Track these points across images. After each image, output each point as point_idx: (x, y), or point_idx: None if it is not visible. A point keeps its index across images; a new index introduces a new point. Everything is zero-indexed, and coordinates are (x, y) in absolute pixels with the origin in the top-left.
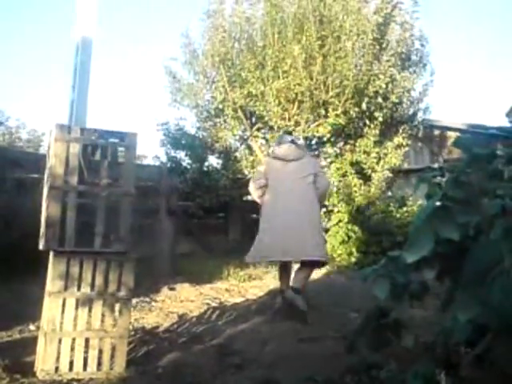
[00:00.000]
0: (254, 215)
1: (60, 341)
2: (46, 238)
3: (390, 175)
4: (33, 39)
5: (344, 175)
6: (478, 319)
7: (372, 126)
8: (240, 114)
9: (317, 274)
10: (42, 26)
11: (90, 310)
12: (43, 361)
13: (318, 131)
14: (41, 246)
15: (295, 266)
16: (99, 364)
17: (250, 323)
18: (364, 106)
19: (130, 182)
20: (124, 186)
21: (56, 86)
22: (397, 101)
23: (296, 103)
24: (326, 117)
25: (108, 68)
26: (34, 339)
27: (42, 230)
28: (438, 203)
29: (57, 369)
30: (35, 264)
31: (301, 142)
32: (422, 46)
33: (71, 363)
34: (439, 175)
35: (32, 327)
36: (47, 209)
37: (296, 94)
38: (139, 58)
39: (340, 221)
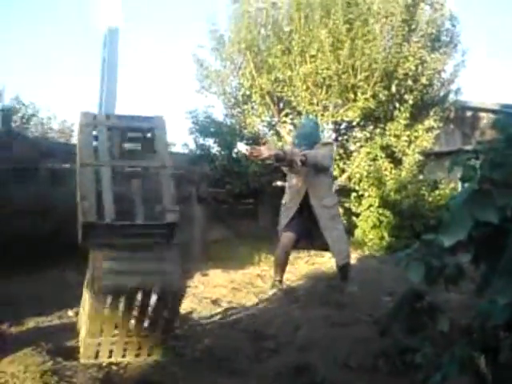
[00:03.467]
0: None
1: None
2: (84, 230)
3: (421, 158)
4: (63, 27)
5: (374, 159)
6: None
7: (402, 108)
8: (267, 99)
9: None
10: (72, 14)
11: None
12: (84, 346)
13: (347, 115)
14: (80, 240)
15: None
16: (137, 349)
17: (283, 308)
18: (393, 88)
19: (164, 156)
20: (160, 160)
21: (86, 77)
22: (427, 83)
23: (324, 88)
24: (354, 101)
25: (137, 56)
26: (73, 325)
27: (80, 221)
28: (475, 186)
29: (97, 354)
30: (72, 253)
31: None
32: (453, 26)
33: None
34: (473, 157)
35: (70, 313)
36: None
37: (324, 78)
38: (168, 47)
39: (371, 205)
